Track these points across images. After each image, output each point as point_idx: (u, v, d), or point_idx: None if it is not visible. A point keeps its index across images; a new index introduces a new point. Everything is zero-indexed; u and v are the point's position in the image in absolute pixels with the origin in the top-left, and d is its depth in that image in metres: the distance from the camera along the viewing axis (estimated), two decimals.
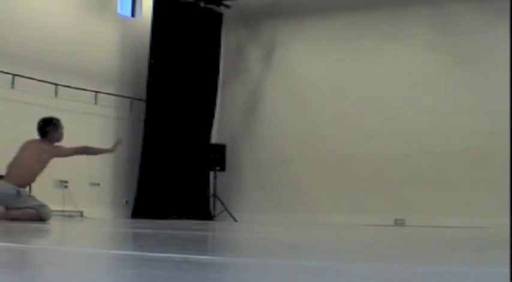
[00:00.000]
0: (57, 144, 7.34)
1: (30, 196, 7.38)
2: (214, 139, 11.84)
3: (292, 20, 11.81)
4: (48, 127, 7.28)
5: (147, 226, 6.46)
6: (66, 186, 9.96)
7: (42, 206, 7.12)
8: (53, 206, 8.11)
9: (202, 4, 11.47)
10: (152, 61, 10.92)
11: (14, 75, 9.44)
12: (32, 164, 7.19)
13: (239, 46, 12.24)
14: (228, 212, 11.21)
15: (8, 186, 7.02)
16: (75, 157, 9.40)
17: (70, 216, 9.78)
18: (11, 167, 7.18)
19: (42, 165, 7.24)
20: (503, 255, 3.00)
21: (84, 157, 10.12)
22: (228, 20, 11.96)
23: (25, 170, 7.16)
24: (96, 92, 10.58)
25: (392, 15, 11.04)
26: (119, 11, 11.32)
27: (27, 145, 7.29)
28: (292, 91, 11.63)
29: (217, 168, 11.41)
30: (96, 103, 10.60)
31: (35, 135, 7.43)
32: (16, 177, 7.09)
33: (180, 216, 10.48)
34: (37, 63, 9.76)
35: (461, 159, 10.26)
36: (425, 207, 10.34)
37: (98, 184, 10.64)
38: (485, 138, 10.00)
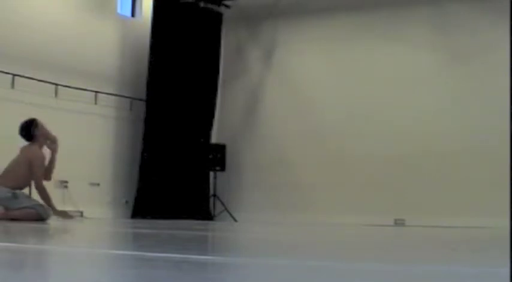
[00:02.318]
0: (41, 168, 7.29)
1: (28, 197, 7.42)
2: (214, 139, 11.83)
3: (292, 20, 11.80)
4: (33, 129, 7.38)
5: (147, 226, 6.46)
6: (66, 186, 9.95)
7: (41, 205, 7.16)
8: None
9: (202, 4, 11.46)
10: (152, 61, 10.93)
11: (14, 75, 9.43)
12: (22, 168, 7.23)
13: (239, 46, 12.23)
14: (228, 212, 11.20)
15: (2, 190, 7.06)
16: (75, 157, 9.43)
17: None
18: (4, 171, 7.28)
19: (29, 169, 7.26)
20: (503, 255, 3.00)
21: (84, 157, 10.17)
22: (228, 20, 11.96)
23: (18, 175, 7.22)
24: (96, 92, 10.58)
25: (392, 15, 11.04)
26: (119, 11, 11.31)
27: (21, 150, 7.38)
28: (292, 91, 11.63)
29: (217, 168, 11.40)
30: (96, 103, 10.60)
31: None
32: (8, 182, 7.16)
33: (180, 216, 10.47)
34: (37, 63, 9.75)
35: (461, 159, 10.25)
36: (425, 207, 10.33)
37: (98, 184, 10.64)
38: (485, 138, 9.99)
